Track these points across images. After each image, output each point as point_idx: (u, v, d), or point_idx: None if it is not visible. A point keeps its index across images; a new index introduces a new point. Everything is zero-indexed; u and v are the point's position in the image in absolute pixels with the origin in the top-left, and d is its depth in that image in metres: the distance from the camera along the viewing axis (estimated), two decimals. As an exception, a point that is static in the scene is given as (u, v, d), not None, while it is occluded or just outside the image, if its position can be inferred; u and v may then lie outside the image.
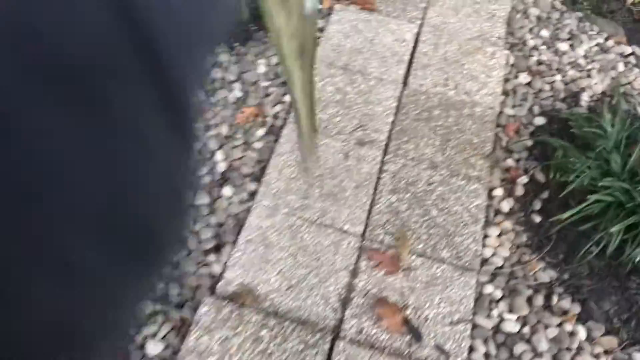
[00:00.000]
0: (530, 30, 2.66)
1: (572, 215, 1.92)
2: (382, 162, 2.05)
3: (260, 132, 2.10)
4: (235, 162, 2.00)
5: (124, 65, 0.20)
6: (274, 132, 2.12)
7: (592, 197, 1.90)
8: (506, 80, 2.41)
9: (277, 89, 2.25)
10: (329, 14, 2.54)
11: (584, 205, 1.90)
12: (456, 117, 2.22)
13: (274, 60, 2.34)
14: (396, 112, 2.21)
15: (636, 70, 2.60)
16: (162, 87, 0.21)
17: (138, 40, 0.20)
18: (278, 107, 2.19)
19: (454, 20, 2.60)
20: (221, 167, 1.98)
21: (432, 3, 2.66)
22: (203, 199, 1.88)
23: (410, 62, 2.38)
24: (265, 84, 2.26)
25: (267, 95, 2.23)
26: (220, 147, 2.04)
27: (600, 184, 1.90)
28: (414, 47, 2.44)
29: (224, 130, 2.09)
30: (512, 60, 2.49)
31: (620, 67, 2.59)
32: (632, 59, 2.66)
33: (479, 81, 2.35)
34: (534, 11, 2.73)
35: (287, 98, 2.22)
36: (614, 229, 1.84)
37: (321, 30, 2.47)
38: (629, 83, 2.56)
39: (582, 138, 2.10)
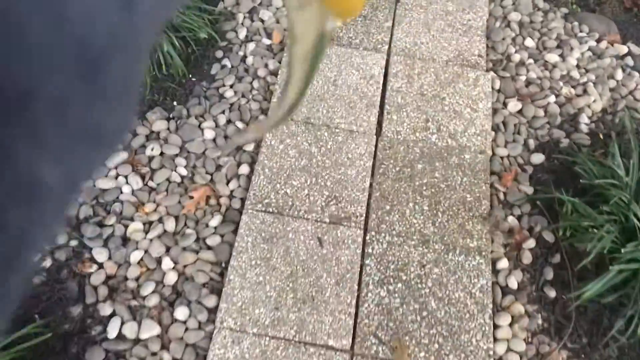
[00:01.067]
0: (514, 40, 2.31)
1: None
2: (364, 244, 1.71)
3: (215, 221, 1.75)
4: (188, 269, 1.65)
5: None
6: (232, 219, 1.76)
7: (614, 268, 1.60)
8: (494, 112, 2.07)
9: (231, 158, 1.88)
10: (281, 50, 2.15)
11: (605, 279, 1.60)
12: (443, 169, 1.89)
13: (222, 118, 1.96)
14: (373, 172, 1.87)
15: (636, 75, 2.29)
16: None
17: None
18: (233, 183, 1.83)
19: (426, 39, 2.23)
20: (170, 278, 1.63)
21: (399, 20, 2.28)
22: (151, 330, 1.53)
23: (382, 104, 2.02)
24: (215, 154, 1.88)
25: (219, 168, 1.86)
26: (167, 251, 1.68)
27: (623, 250, 1.60)
28: (384, 84, 2.08)
29: (170, 225, 1.72)
30: (498, 84, 2.15)
31: (619, 74, 2.27)
32: (629, 60, 2.34)
33: (464, 118, 2.01)
34: (514, 16, 2.38)
35: (243, 169, 1.85)
36: (645, 308, 1.55)
37: (273, 74, 2.09)
38: (631, 93, 2.24)
39: (592, 186, 1.79)
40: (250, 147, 1.90)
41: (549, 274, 1.73)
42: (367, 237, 1.73)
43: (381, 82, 2.07)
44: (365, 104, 2.01)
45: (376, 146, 1.92)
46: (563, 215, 1.79)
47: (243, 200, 1.79)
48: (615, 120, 2.14)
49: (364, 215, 1.77)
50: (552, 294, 1.70)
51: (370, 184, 1.84)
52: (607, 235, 1.64)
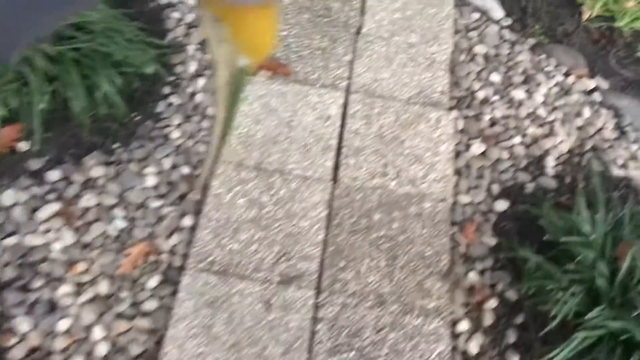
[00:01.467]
0: (478, 75, 2.21)
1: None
2: (316, 307, 1.59)
3: (153, 281, 1.61)
4: (121, 339, 1.51)
5: None
6: (171, 279, 1.62)
7: (580, 335, 1.51)
8: (457, 155, 1.97)
9: (174, 208, 1.74)
10: (232, 86, 2.01)
11: (570, 346, 1.50)
12: (402, 219, 1.78)
13: (167, 162, 1.82)
14: (327, 224, 1.75)
15: (603, 112, 2.21)
16: None
17: None
18: (176, 237, 1.69)
19: (387, 75, 2.12)
20: (101, 350, 1.48)
21: (359, 54, 2.16)
22: (78, 412, 1.39)
23: (339, 148, 1.90)
24: (156, 203, 1.74)
25: (161, 219, 1.72)
26: (98, 318, 1.53)
27: (587, 316, 1.51)
28: (342, 125, 1.96)
29: (103, 287, 1.58)
30: (461, 124, 2.05)
31: (586, 111, 2.19)
32: (596, 96, 2.26)
33: (424, 163, 1.90)
34: (480, 49, 2.28)
35: (187, 221, 1.72)
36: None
37: (224, 113, 1.95)
38: (598, 132, 2.16)
39: (558, 242, 1.70)
40: (195, 197, 1.77)
41: (512, 337, 1.64)
42: (320, 299, 1.61)
43: (339, 123, 1.95)
44: (321, 147, 1.88)
45: (332, 194, 1.80)
46: (527, 273, 1.70)
47: (186, 256, 1.65)
48: (582, 162, 2.06)
49: (317, 273, 1.65)
50: (515, 359, 1.60)
51: (324, 239, 1.72)
52: (572, 298, 1.55)
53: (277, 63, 2.07)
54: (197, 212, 1.74)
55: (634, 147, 2.16)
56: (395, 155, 1.91)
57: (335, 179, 1.84)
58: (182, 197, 1.77)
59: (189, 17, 2.16)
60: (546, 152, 2.05)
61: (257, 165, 1.82)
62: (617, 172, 2.05)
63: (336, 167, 1.87)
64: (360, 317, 1.59)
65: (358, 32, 2.24)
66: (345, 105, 2.00)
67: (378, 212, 1.78)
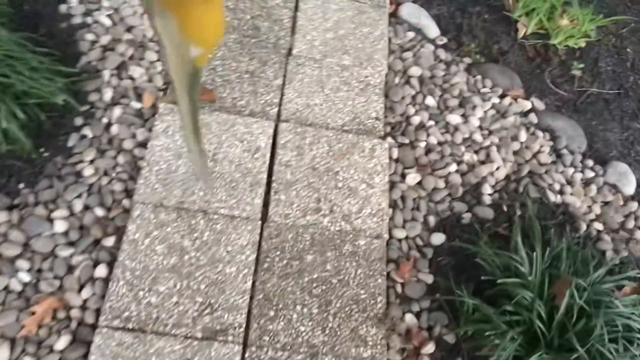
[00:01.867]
0: (414, 99, 2.14)
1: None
2: (243, 363, 1.48)
3: (62, 342, 1.45)
4: (24, 413, 1.35)
5: None
6: (82, 339, 1.47)
7: (519, 384, 1.45)
8: (392, 186, 1.89)
9: (86, 256, 1.58)
10: (153, 115, 1.87)
11: (510, 396, 1.45)
12: (336, 260, 1.68)
13: (78, 204, 1.66)
14: (256, 268, 1.63)
15: (539, 134, 2.18)
16: None
17: None
18: (88, 290, 1.54)
19: (319, 100, 2.02)
20: None
21: (290, 77, 2.05)
22: None
23: (269, 183, 1.79)
24: (66, 252, 1.58)
25: (71, 270, 1.57)
26: (-3, 391, 1.37)
27: (526, 363, 1.46)
28: (272, 157, 1.84)
29: (3, 353, 1.41)
30: (396, 153, 1.97)
31: (523, 134, 2.15)
32: (533, 117, 2.23)
33: (359, 195, 1.81)
34: (415, 71, 2.21)
35: (100, 271, 1.57)
36: None
37: (142, 146, 1.80)
38: (535, 156, 2.13)
39: (496, 281, 1.64)
40: (109, 242, 1.62)
41: (450, 383, 1.57)
42: (247, 355, 1.49)
43: (268, 155, 1.83)
44: (249, 182, 1.76)
45: (261, 235, 1.69)
46: (464, 315, 1.63)
47: (99, 312, 1.51)
48: (519, 189, 2.02)
49: (244, 325, 1.53)
50: (452, 408, 1.53)
51: (252, 285, 1.61)
52: (510, 343, 1.49)
53: (201, 89, 1.93)
54: (112, 260, 1.59)
55: (570, 171, 2.14)
56: (328, 188, 1.81)
57: (264, 217, 1.73)
58: (96, 243, 1.62)
59: (105, 39, 1.99)
60: (483, 180, 2.00)
61: (178, 205, 1.68)
62: (553, 198, 2.02)
63: (266, 205, 1.75)
64: (291, 372, 1.49)
65: (289, 54, 2.12)
66: (275, 136, 1.89)
67: (311, 253, 1.68)
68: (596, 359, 1.47)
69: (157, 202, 1.67)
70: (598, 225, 2.01)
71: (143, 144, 1.80)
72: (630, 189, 2.17)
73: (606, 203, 2.09)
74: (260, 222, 1.70)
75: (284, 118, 1.94)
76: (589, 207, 2.06)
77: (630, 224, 2.05)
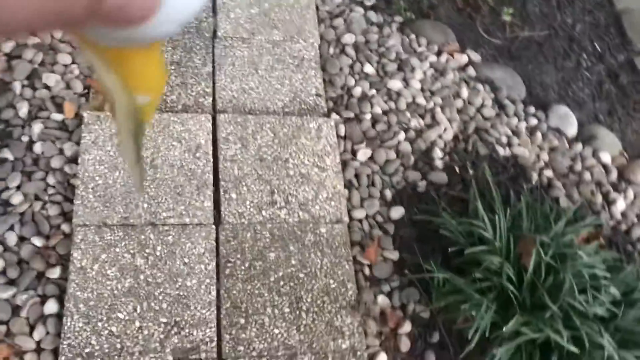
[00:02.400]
0: (352, 69, 2.06)
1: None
2: (221, 379, 1.41)
3: (21, 393, 1.34)
4: None
5: None
6: (44, 386, 1.36)
7: (501, 350, 1.46)
8: (344, 165, 1.83)
9: (31, 294, 1.45)
10: (78, 126, 1.71)
11: (492, 365, 1.45)
12: (299, 253, 1.62)
13: (12, 237, 1.51)
14: (218, 276, 1.55)
15: (480, 89, 2.16)
16: None
17: None
18: (40, 331, 1.42)
19: (255, 83, 1.90)
20: None
21: (220, 62, 1.92)
22: None
23: (217, 182, 1.69)
24: (7, 292, 1.45)
25: (17, 311, 1.44)
26: None
27: (504, 330, 1.46)
28: (215, 154, 1.73)
29: (-42, 419, 1.29)
30: (343, 130, 1.90)
31: (464, 91, 2.12)
32: (471, 71, 2.21)
33: (312, 181, 1.74)
34: (348, 38, 2.12)
35: (50, 306, 1.44)
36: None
37: (73, 161, 1.65)
38: (479, 111, 2.11)
39: (462, 250, 1.62)
40: (55, 273, 1.49)
41: (432, 359, 1.56)
42: (223, 369, 1.43)
43: (210, 152, 1.72)
44: (195, 185, 1.65)
45: (217, 239, 1.60)
46: (435, 288, 1.62)
47: (56, 352, 1.39)
48: (468, 147, 2.00)
49: (215, 339, 1.46)
50: (437, 384, 1.53)
51: (218, 293, 1.52)
52: (486, 313, 1.48)
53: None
54: (61, 293, 1.47)
55: (514, 121, 2.13)
56: (280, 178, 1.72)
57: (218, 220, 1.63)
58: (39, 277, 1.49)
59: (8, 46, 1.79)
60: (432, 144, 1.96)
61: (122, 221, 1.56)
62: (502, 152, 2.01)
63: (217, 206, 1.65)
64: (272, 379, 1.43)
65: (214, 36, 1.99)
66: (214, 129, 1.77)
67: (272, 250, 1.61)
68: (568, 312, 1.49)
69: (99, 222, 1.54)
70: (548, 173, 2.03)
71: (73, 160, 1.65)
72: (572, 130, 2.20)
73: (553, 149, 2.11)
74: (214, 226, 1.61)
75: (221, 108, 1.83)
76: (537, 155, 2.07)
77: (578, 166, 2.08)
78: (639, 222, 2.02)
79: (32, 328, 1.42)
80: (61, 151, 1.66)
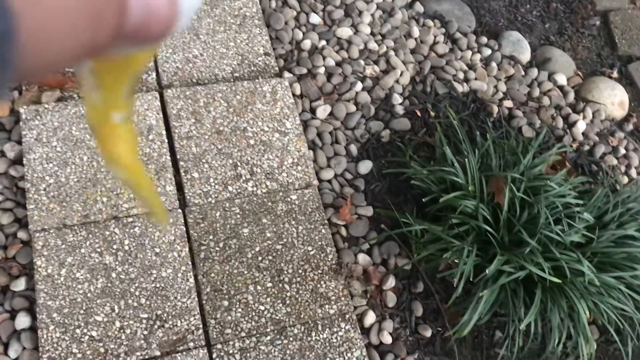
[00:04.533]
0: (297, 21, 1.97)
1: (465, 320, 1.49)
2: (214, 365, 1.38)
3: (9, 415, 1.28)
4: None
5: None
6: (32, 404, 1.31)
7: (485, 293, 1.47)
8: (305, 126, 1.77)
9: (4, 316, 1.37)
10: (16, 123, 1.59)
11: (479, 307, 1.47)
12: (273, 224, 1.58)
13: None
14: (193, 261, 1.50)
15: (430, 25, 2.10)
16: None
17: None
18: (15, 348, 1.35)
19: (198, 50, 1.80)
20: None
21: (158, 33, 1.79)
22: None
23: (176, 163, 1.61)
24: (-28, 314, 1.36)
25: (-13, 332, 1.36)
26: None
27: (486, 272, 1.47)
28: (169, 133, 1.64)
29: None
30: (298, 89, 1.82)
31: (415, 30, 2.06)
32: (418, 7, 2.15)
33: (275, 148, 1.68)
34: (289, -12, 2.01)
35: (22, 321, 1.37)
36: (522, 327, 1.45)
37: (18, 162, 1.54)
38: (432, 49, 2.06)
39: (436, 197, 1.61)
40: (20, 285, 1.41)
41: (418, 310, 1.57)
42: (214, 355, 1.40)
43: (164, 132, 1.63)
44: (153, 170, 1.57)
45: (186, 224, 1.53)
46: (414, 239, 1.61)
47: (37, 371, 1.33)
48: (426, 88, 1.95)
49: (201, 326, 1.42)
50: (427, 333, 1.55)
51: (196, 279, 1.48)
52: (467, 259, 1.48)
53: (59, 78, 1.65)
54: (31, 305, 1.39)
55: (468, 54, 2.09)
56: (241, 149, 1.65)
57: (183, 203, 1.56)
58: (4, 292, 1.40)
59: None
60: (390, 90, 1.91)
61: (83, 220, 1.47)
62: (461, 88, 1.98)
63: (180, 189, 1.58)
64: (265, 356, 1.41)
65: (147, 5, 1.84)
66: (164, 107, 1.67)
67: (245, 226, 1.56)
68: (547, 244, 1.51)
69: (58, 224, 1.45)
70: (508, 103, 2.01)
71: (17, 161, 1.54)
72: (526, 55, 2.18)
73: (509, 77, 2.09)
74: (180, 210, 1.54)
75: (167, 83, 1.72)
76: (495, 86, 2.04)
77: (536, 92, 2.08)
78: (600, 140, 2.04)
79: (6, 346, 1.35)
80: (2, 153, 1.54)
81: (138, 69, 0.40)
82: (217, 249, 1.52)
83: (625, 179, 1.97)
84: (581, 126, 2.03)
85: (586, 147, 2.00)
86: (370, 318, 1.52)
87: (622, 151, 2.03)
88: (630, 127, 2.12)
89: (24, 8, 0.22)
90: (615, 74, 2.25)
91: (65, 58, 0.25)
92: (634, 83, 2.26)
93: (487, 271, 1.46)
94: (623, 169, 1.99)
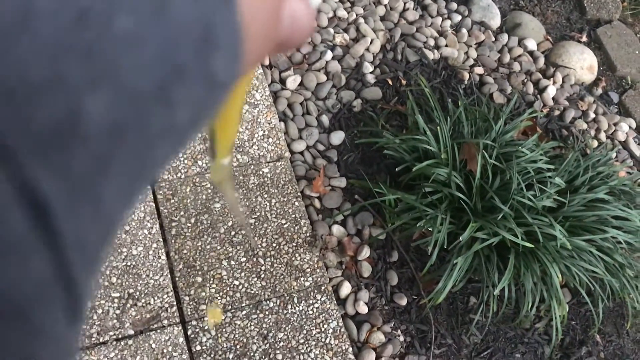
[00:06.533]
0: (265, -11, 1.91)
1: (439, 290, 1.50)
2: (189, 342, 1.37)
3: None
4: None
5: None
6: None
7: (459, 260, 1.48)
8: (275, 98, 1.73)
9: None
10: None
11: (453, 275, 1.47)
12: (246, 198, 1.56)
13: None
14: (164, 238, 1.47)
15: (399, -8, 2.06)
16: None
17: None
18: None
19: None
20: None
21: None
22: None
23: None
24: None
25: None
26: None
27: (460, 240, 1.47)
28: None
29: None
30: (267, 59, 1.78)
31: (383, -3, 2.02)
32: (387, -26, 2.10)
33: (245, 121, 1.65)
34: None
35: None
36: (496, 292, 1.47)
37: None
38: (402, 15, 2.03)
39: (409, 166, 1.60)
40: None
41: (394, 279, 1.57)
42: (190, 332, 1.38)
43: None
44: (119, 146, 1.53)
45: (155, 200, 1.50)
46: (387, 209, 1.60)
47: None
48: (397, 56, 1.93)
49: (175, 303, 1.40)
50: (403, 301, 1.55)
51: (167, 255, 1.45)
52: (441, 227, 1.49)
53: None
54: None
55: (438, 20, 2.07)
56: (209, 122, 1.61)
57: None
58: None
59: None
60: (361, 59, 1.88)
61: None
62: (432, 55, 1.96)
63: (148, 164, 1.54)
64: (242, 331, 1.41)
65: None
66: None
67: (217, 200, 1.53)
68: (519, 210, 1.52)
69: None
70: (479, 70, 2.00)
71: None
72: (496, 21, 2.16)
73: (479, 44, 2.08)
74: (149, 187, 1.50)
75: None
76: (466, 53, 2.03)
77: (506, 58, 2.07)
78: (570, 105, 2.05)
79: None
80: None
81: (242, 103, 0.38)
82: (189, 224, 1.49)
83: (595, 143, 1.98)
84: (551, 91, 2.03)
85: (556, 112, 2.01)
86: (346, 289, 1.52)
87: (592, 115, 2.04)
88: (599, 91, 2.13)
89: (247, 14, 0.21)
90: (584, 38, 2.26)
91: (257, 61, 0.25)
92: (603, 47, 2.26)
93: (460, 238, 1.47)
94: (593, 132, 2.01)
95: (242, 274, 1.47)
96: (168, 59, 0.17)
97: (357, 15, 1.95)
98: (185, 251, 1.46)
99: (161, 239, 1.46)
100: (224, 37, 0.19)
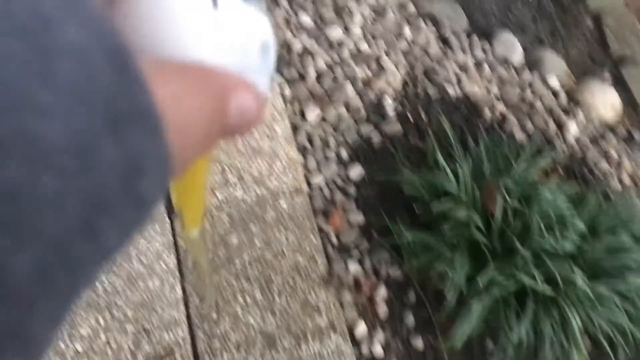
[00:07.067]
0: (288, 22, 1.93)
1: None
2: (202, 379, 1.36)
3: None
4: None
5: None
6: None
7: (477, 308, 1.45)
8: (295, 130, 1.73)
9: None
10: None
11: (472, 320, 1.45)
12: (262, 232, 1.55)
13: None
14: (181, 271, 1.47)
15: (422, 26, 2.07)
16: None
17: None
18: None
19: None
20: None
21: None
22: None
23: (162, 170, 1.56)
24: None
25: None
26: None
27: (479, 284, 1.45)
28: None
29: None
30: (288, 91, 1.78)
31: (406, 31, 2.03)
32: (410, 8, 2.12)
33: (264, 153, 1.65)
34: (279, -13, 1.97)
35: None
36: (514, 337, 1.44)
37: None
38: (424, 51, 2.03)
39: (427, 204, 1.59)
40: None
41: (410, 320, 1.55)
42: (202, 369, 1.37)
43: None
44: (139, 176, 1.53)
45: (174, 232, 1.50)
46: (405, 247, 1.58)
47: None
48: (418, 92, 1.93)
49: (189, 338, 1.39)
50: (419, 344, 1.53)
51: (183, 289, 1.44)
52: (460, 270, 1.46)
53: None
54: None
55: (460, 55, 2.06)
56: (229, 154, 1.62)
57: (170, 210, 1.52)
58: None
59: None
60: (382, 93, 1.88)
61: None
62: (453, 91, 1.95)
63: (167, 196, 1.53)
64: (255, 370, 1.39)
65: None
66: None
67: (234, 234, 1.53)
68: (539, 254, 1.49)
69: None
70: (500, 107, 1.99)
71: None
72: (518, 56, 2.16)
73: (502, 80, 2.07)
74: (167, 218, 1.50)
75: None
76: (487, 89, 2.02)
77: (528, 95, 2.06)
78: (593, 145, 2.02)
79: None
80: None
81: (205, 177, 0.38)
82: (206, 258, 1.48)
83: (618, 185, 1.96)
84: (573, 130, 2.01)
85: (578, 152, 1.99)
86: (362, 329, 1.50)
87: (614, 156, 2.01)
88: (622, 131, 2.11)
89: (168, 107, 0.21)
90: (608, 78, 2.24)
91: (194, 156, 0.26)
92: (627, 86, 2.24)
93: (480, 283, 1.45)
94: (615, 173, 1.98)
95: (257, 310, 1.46)
96: (94, 204, 0.17)
97: (379, 48, 1.95)
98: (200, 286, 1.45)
99: (178, 273, 1.45)
100: (150, 167, 0.20)
